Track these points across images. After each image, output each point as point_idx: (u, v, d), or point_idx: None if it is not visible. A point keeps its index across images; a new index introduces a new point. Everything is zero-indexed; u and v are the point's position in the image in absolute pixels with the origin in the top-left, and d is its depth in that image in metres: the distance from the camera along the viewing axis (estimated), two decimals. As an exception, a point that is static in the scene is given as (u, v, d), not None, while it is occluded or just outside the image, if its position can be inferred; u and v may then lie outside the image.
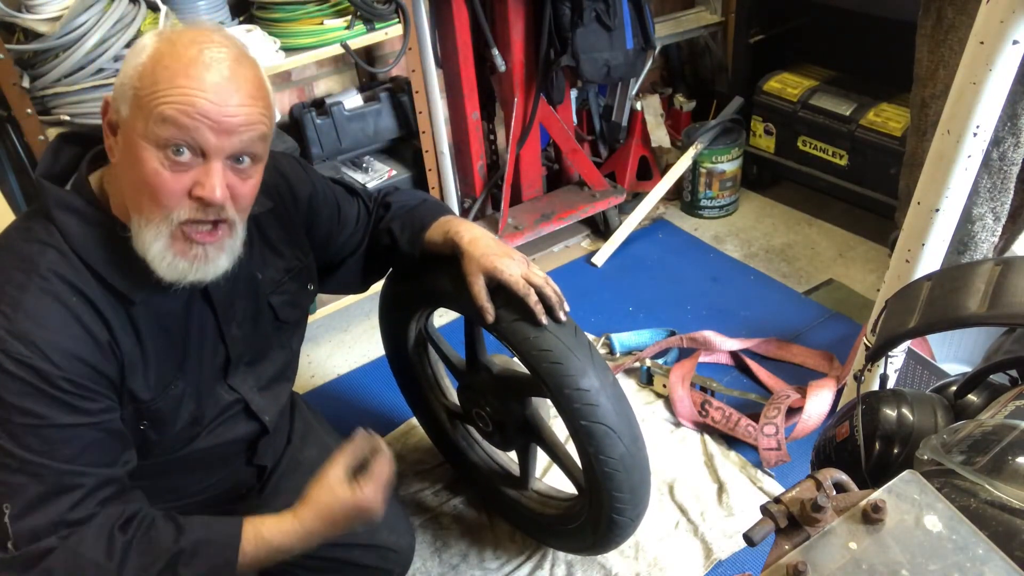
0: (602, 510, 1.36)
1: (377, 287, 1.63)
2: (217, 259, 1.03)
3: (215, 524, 1.09)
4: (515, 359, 1.60)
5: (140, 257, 1.00)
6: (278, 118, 2.25)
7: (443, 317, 2.41)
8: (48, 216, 1.00)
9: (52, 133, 1.68)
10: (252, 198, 1.06)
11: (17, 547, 0.94)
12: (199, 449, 1.20)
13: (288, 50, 1.95)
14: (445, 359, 1.69)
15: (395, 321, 1.67)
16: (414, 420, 2.07)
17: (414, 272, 1.44)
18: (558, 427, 1.58)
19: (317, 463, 1.46)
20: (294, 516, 1.12)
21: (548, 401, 1.57)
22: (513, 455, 1.69)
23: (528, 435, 1.55)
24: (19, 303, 0.95)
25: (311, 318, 2.25)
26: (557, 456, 1.53)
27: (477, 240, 1.30)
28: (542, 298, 1.27)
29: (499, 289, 1.28)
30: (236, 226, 1.04)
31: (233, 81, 0.96)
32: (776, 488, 1.81)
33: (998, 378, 0.87)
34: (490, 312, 1.27)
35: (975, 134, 1.26)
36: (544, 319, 1.26)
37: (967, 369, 0.92)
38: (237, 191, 1.01)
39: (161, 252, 0.99)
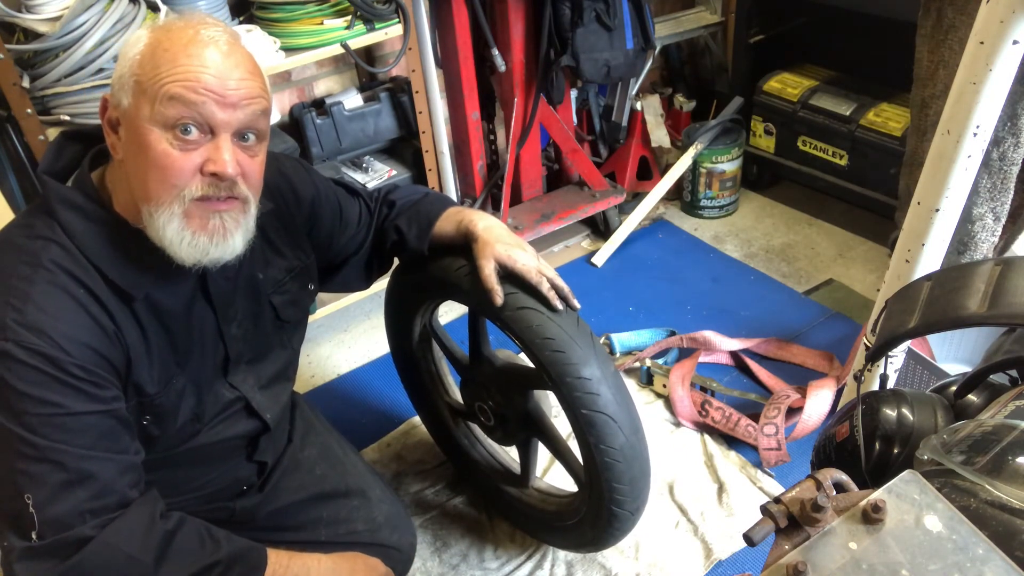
0: (602, 502, 1.36)
1: (380, 285, 1.63)
2: (234, 235, 1.03)
3: (240, 540, 1.12)
4: (519, 355, 1.60)
5: (146, 252, 1.01)
6: (278, 118, 2.26)
7: (445, 316, 2.41)
8: (50, 212, 1.01)
9: (52, 133, 1.68)
10: (261, 176, 1.07)
11: (43, 536, 0.95)
12: (200, 445, 1.20)
13: (288, 50, 1.95)
14: (448, 354, 1.69)
15: (400, 316, 1.68)
16: (414, 420, 2.07)
17: (421, 264, 1.45)
18: (559, 425, 1.58)
19: (317, 462, 1.48)
20: (321, 555, 1.22)
21: (550, 395, 1.57)
22: (514, 453, 1.70)
23: (529, 429, 1.56)
24: (28, 295, 0.96)
25: (311, 318, 2.25)
26: (558, 450, 1.54)
27: (491, 228, 1.31)
28: (554, 287, 1.29)
29: (507, 278, 1.29)
30: (249, 203, 1.05)
31: (232, 57, 0.98)
32: (776, 488, 1.81)
33: (998, 378, 0.87)
34: (499, 294, 1.27)
35: (975, 134, 1.26)
36: (559, 304, 1.28)
37: (967, 369, 0.92)
38: (247, 168, 1.02)
39: (178, 232, 0.99)
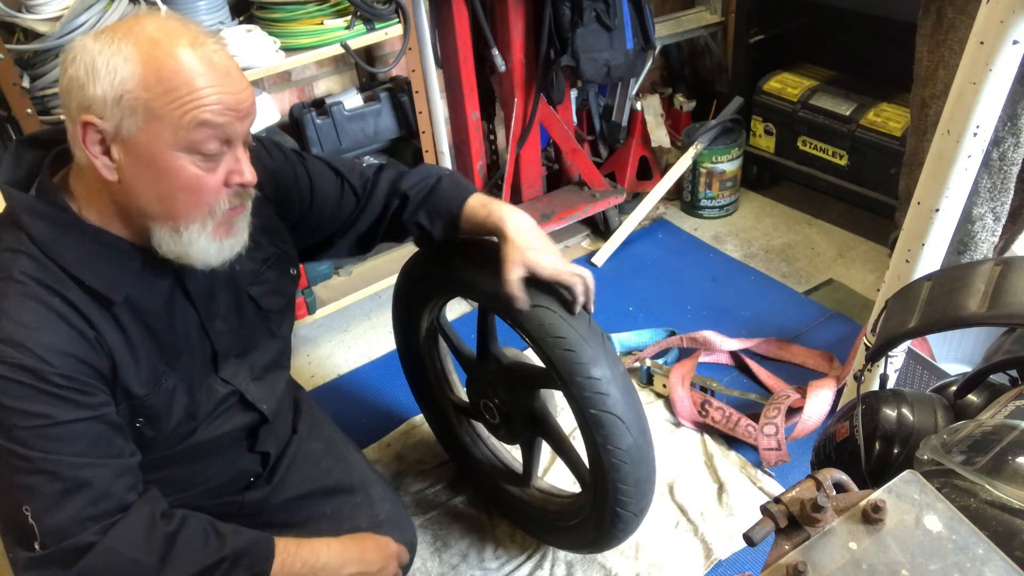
0: (606, 503, 1.36)
1: (382, 284, 1.63)
2: (245, 229, 1.11)
3: (246, 532, 1.12)
4: (525, 352, 1.60)
5: (128, 251, 1.03)
6: (278, 118, 2.26)
7: (451, 313, 2.40)
8: (16, 223, 1.00)
9: (52, 133, 1.68)
10: None
11: (45, 546, 0.95)
12: (199, 442, 1.20)
13: (288, 50, 1.95)
14: (455, 350, 1.69)
15: (408, 312, 1.68)
16: (414, 419, 2.08)
17: (436, 263, 1.43)
18: (563, 423, 1.58)
19: (323, 456, 1.48)
20: (330, 539, 1.22)
21: (556, 394, 1.57)
22: (516, 453, 1.70)
23: (534, 428, 1.56)
24: (2, 309, 0.95)
25: (311, 318, 2.25)
26: (562, 450, 1.54)
27: (520, 229, 1.27)
28: (584, 288, 1.29)
29: (532, 280, 1.28)
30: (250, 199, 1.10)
31: (232, 68, 1.00)
32: (776, 488, 1.81)
33: (998, 378, 0.87)
34: (524, 301, 1.25)
35: (975, 134, 1.26)
36: (578, 307, 1.28)
37: (967, 369, 0.92)
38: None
39: (208, 243, 1.04)
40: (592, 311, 1.31)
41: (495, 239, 1.30)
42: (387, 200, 1.37)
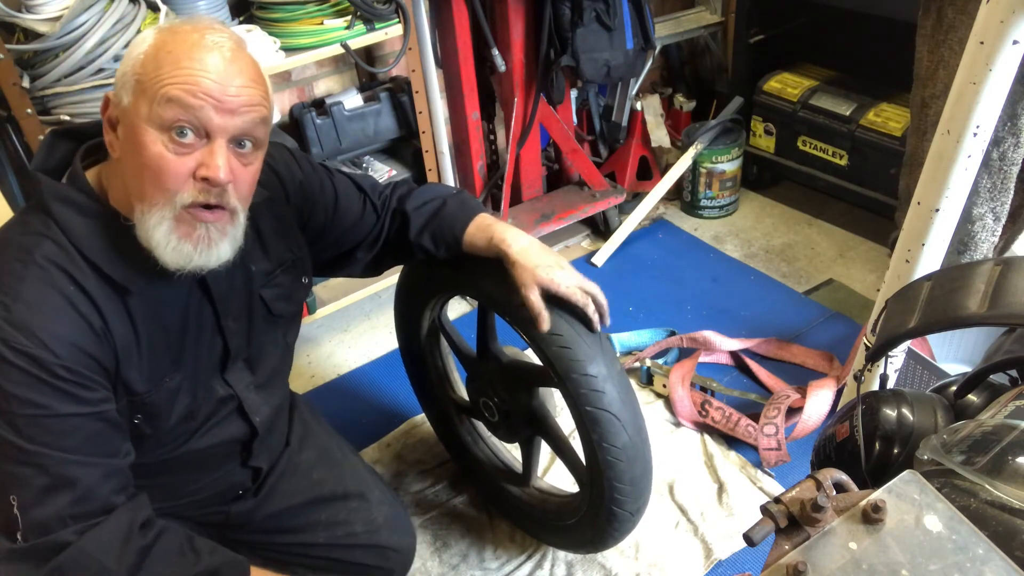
0: (602, 502, 1.36)
1: (381, 284, 1.63)
2: (220, 244, 1.03)
3: (223, 553, 1.11)
4: (525, 351, 1.60)
5: (142, 247, 1.00)
6: (278, 118, 2.26)
7: (452, 312, 2.40)
8: (45, 209, 1.00)
9: (52, 133, 1.68)
10: (252, 186, 1.06)
11: (27, 539, 0.95)
12: (194, 450, 1.20)
13: (288, 50, 1.95)
14: (456, 348, 1.69)
15: (410, 310, 1.68)
16: (415, 419, 2.08)
17: (447, 264, 1.43)
18: (562, 423, 1.58)
19: (315, 466, 1.47)
20: None
21: (555, 393, 1.58)
22: (516, 452, 1.70)
23: (533, 426, 1.56)
24: (18, 292, 0.95)
25: (312, 318, 2.25)
26: (560, 449, 1.54)
27: (527, 251, 1.28)
28: (596, 305, 1.29)
29: (547, 298, 1.28)
30: (238, 214, 1.04)
31: (235, 63, 0.98)
32: (776, 488, 1.81)
33: (998, 378, 0.87)
34: (547, 320, 1.26)
35: (975, 134, 1.26)
36: (598, 326, 1.29)
37: (967, 369, 0.92)
38: (238, 176, 1.01)
39: (165, 237, 0.99)
40: (608, 323, 1.31)
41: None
42: (391, 218, 1.39)
